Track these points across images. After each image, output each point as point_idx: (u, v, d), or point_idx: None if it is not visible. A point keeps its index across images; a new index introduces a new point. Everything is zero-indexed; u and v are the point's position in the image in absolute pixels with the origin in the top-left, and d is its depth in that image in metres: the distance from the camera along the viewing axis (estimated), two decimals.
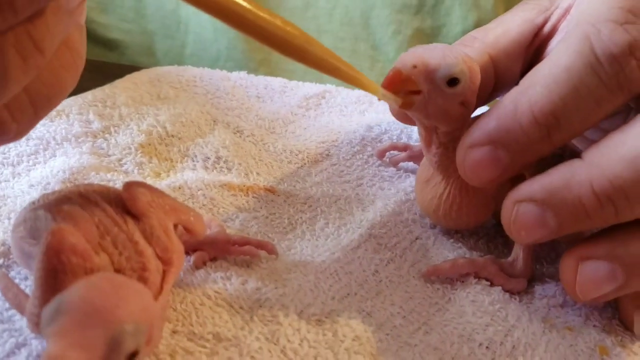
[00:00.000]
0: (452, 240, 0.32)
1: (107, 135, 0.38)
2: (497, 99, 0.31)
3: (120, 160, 0.36)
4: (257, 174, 0.37)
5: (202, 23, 0.58)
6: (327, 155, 0.39)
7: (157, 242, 0.23)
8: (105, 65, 0.56)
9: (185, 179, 0.35)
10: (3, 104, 0.21)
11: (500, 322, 0.27)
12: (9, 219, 0.30)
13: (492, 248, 0.32)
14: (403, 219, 0.33)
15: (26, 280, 0.26)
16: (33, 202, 0.25)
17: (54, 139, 0.37)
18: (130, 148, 0.37)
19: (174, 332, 0.24)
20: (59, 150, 0.36)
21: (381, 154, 0.39)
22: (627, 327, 0.27)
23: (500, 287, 0.29)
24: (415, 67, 0.26)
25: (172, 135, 0.39)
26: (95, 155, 0.36)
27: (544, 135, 0.25)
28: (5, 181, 0.33)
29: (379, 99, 0.26)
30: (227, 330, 0.24)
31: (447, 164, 0.29)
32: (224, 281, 0.27)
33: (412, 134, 0.40)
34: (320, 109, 0.46)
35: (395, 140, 0.40)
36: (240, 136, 0.40)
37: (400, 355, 0.25)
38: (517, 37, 0.29)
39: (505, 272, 0.29)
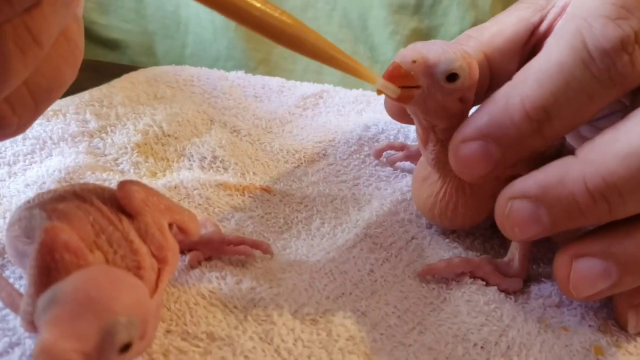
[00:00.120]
0: (448, 240, 0.32)
1: (103, 135, 0.38)
2: None
3: (116, 159, 0.36)
4: (254, 173, 0.37)
5: (202, 23, 0.58)
6: (324, 154, 0.39)
7: (152, 240, 0.23)
8: (104, 65, 0.56)
9: (181, 179, 0.34)
10: (4, 97, 0.21)
11: (495, 322, 0.26)
12: (4, 218, 0.30)
13: (488, 248, 0.32)
14: (399, 219, 0.33)
15: (21, 279, 0.26)
16: (28, 201, 0.25)
17: (51, 138, 0.37)
18: (126, 147, 0.37)
19: (168, 331, 0.24)
20: (56, 149, 0.36)
21: (378, 154, 0.39)
22: (621, 325, 0.27)
23: (495, 287, 0.28)
24: (414, 62, 0.26)
25: (169, 135, 0.39)
26: (92, 154, 0.36)
27: (535, 129, 0.25)
28: (1, 180, 0.33)
29: (378, 89, 0.26)
30: (221, 330, 0.24)
31: (444, 161, 0.29)
32: (218, 281, 0.27)
33: (409, 134, 0.40)
34: (318, 109, 0.45)
35: (392, 140, 0.40)
36: (237, 136, 0.40)
37: (394, 355, 0.25)
38: (512, 35, 0.29)
39: (501, 272, 0.29)
